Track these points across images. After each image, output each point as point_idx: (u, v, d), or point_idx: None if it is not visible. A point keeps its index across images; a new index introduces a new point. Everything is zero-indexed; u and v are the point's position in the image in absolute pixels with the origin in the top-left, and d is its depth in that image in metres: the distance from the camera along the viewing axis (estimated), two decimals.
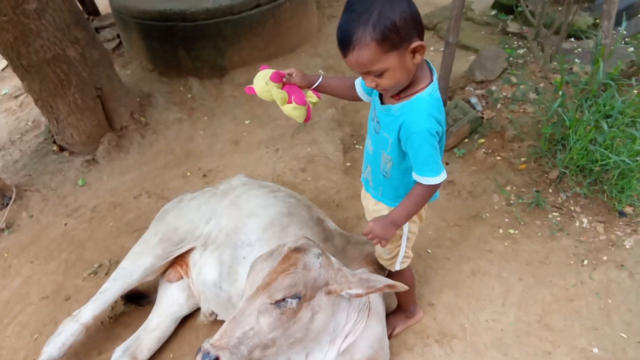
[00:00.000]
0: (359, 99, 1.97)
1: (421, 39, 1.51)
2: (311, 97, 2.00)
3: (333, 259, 1.80)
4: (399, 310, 2.50)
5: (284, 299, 1.60)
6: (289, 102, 1.89)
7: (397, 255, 2.10)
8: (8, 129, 4.49)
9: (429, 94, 1.61)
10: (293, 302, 1.61)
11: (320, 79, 1.94)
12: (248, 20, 4.58)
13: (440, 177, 1.66)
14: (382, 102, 1.75)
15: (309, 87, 1.96)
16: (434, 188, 1.71)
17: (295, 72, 1.91)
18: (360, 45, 1.45)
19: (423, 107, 1.60)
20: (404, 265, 2.16)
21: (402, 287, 1.74)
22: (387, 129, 1.71)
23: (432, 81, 1.63)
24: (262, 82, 1.91)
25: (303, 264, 1.65)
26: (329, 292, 1.71)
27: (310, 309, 1.66)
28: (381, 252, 2.12)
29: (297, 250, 1.70)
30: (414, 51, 1.50)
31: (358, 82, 1.93)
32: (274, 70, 1.89)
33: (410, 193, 1.74)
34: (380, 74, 1.53)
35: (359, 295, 1.74)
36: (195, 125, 4.27)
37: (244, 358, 1.56)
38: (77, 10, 3.63)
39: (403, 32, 1.45)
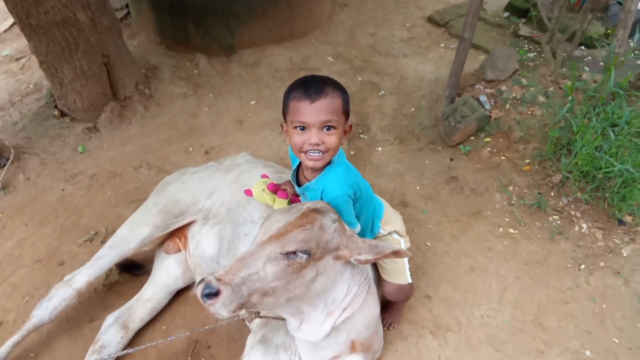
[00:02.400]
0: None
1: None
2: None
3: (347, 227, 1.81)
4: (394, 308, 2.49)
5: (294, 252, 1.61)
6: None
7: (404, 268, 2.26)
8: (8, 90, 4.42)
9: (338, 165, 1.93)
10: (302, 257, 1.62)
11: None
12: (261, 0, 4.54)
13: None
14: (299, 185, 2.05)
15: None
16: None
17: (289, 187, 2.21)
18: (332, 94, 1.76)
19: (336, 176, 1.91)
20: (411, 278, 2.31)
21: (406, 253, 1.77)
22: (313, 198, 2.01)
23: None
24: (259, 188, 2.24)
25: (320, 224, 1.67)
26: (337, 257, 1.74)
27: (316, 269, 1.68)
28: (392, 271, 2.26)
29: (316, 210, 1.72)
30: (345, 131, 1.87)
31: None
32: (271, 182, 2.25)
33: None
34: (331, 129, 1.79)
35: (367, 261, 1.76)
36: (200, 102, 4.23)
37: (242, 299, 1.57)
38: None
39: (348, 109, 1.84)
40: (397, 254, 1.76)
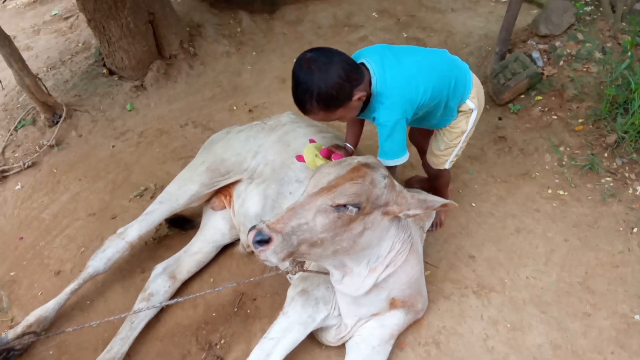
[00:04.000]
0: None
1: (359, 87, 1.84)
2: None
3: (396, 183, 1.81)
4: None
5: (345, 205, 1.63)
6: None
7: (450, 154, 2.37)
8: (59, 49, 4.53)
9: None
10: (353, 210, 1.64)
11: (352, 146, 2.24)
12: None
13: (395, 161, 2.05)
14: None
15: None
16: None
17: (342, 153, 2.17)
18: (311, 112, 1.84)
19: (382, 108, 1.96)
20: (451, 165, 2.43)
21: (454, 204, 1.78)
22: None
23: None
24: (312, 155, 2.16)
25: (371, 179, 1.68)
26: (386, 213, 1.75)
27: (364, 223, 1.69)
28: (434, 148, 2.40)
29: (367, 165, 1.72)
30: (360, 98, 1.86)
31: None
32: (325, 147, 2.17)
33: None
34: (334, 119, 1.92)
35: (416, 215, 1.78)
36: (244, 60, 4.22)
37: (292, 247, 1.61)
38: None
39: (342, 96, 1.81)
40: (445, 206, 1.77)
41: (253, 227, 1.60)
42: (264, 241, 1.57)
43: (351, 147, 2.29)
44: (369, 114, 2.00)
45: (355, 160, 1.75)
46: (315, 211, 1.63)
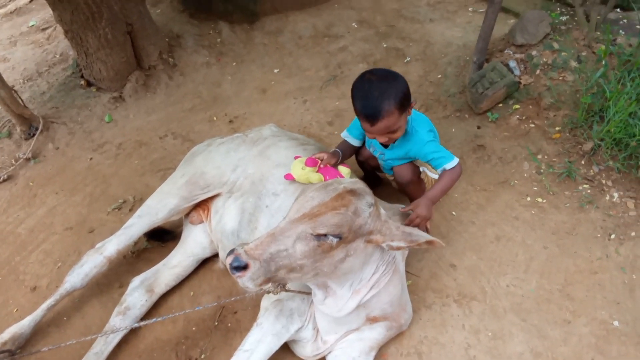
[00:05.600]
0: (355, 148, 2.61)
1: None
2: (343, 170, 2.38)
3: (382, 211, 1.79)
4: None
5: (325, 235, 1.60)
6: (325, 180, 2.21)
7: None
8: (35, 61, 4.47)
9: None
10: (334, 240, 1.61)
11: (340, 154, 2.45)
12: None
13: (456, 160, 2.27)
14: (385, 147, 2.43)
15: (337, 163, 2.41)
16: (458, 169, 2.27)
17: (324, 155, 2.33)
18: (388, 114, 2.05)
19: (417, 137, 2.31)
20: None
21: (440, 244, 1.75)
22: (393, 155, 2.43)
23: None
24: (299, 168, 2.25)
25: (354, 209, 1.65)
26: (369, 241, 1.72)
27: (346, 250, 1.67)
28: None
29: (353, 192, 1.68)
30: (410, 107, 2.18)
31: (348, 136, 2.56)
32: (308, 157, 2.27)
33: (442, 178, 2.26)
34: (394, 131, 2.15)
35: (400, 248, 1.75)
36: (224, 70, 4.21)
37: (270, 273, 1.59)
38: None
39: (408, 98, 2.12)
40: (430, 243, 1.75)
41: (232, 252, 1.58)
42: (241, 267, 1.55)
43: (339, 151, 2.41)
44: (403, 148, 2.33)
45: (341, 185, 1.71)
46: (295, 238, 1.60)
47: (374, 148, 2.53)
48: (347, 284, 1.84)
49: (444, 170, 2.26)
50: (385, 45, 4.31)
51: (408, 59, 4.11)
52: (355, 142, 2.58)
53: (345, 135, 2.57)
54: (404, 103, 2.09)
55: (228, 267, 1.58)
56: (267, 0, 4.61)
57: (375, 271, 1.87)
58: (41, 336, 2.44)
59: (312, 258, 1.62)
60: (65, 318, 2.53)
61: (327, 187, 1.71)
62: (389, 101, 2.03)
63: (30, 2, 5.73)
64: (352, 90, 2.12)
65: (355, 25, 4.60)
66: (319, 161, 2.29)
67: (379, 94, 2.03)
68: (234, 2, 4.58)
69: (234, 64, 4.28)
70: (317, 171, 2.26)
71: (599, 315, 2.36)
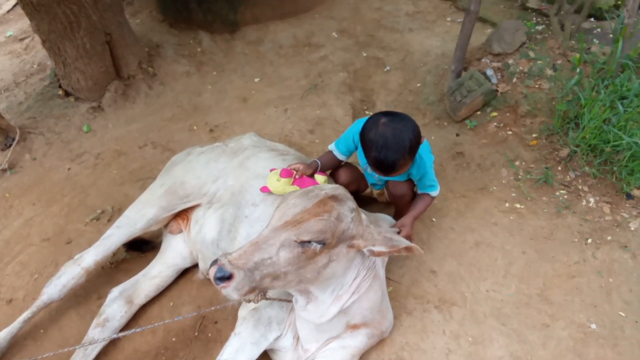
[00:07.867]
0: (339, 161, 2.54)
1: None
2: (319, 178, 2.35)
3: (363, 216, 1.80)
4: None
5: (309, 241, 1.60)
6: None
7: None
8: (13, 71, 4.41)
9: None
10: (317, 247, 1.62)
11: (319, 163, 2.41)
12: None
13: (439, 190, 2.43)
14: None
15: (313, 173, 2.37)
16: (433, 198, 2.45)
17: (299, 166, 2.29)
18: (402, 166, 2.07)
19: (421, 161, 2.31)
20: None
21: (419, 251, 1.77)
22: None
23: None
24: (274, 180, 2.22)
25: (337, 214, 1.66)
26: (351, 246, 1.73)
27: (329, 255, 1.68)
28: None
29: (334, 198, 1.69)
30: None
31: (335, 150, 2.47)
32: (283, 168, 2.24)
33: (423, 199, 2.42)
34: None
35: (381, 254, 1.76)
36: (204, 80, 4.20)
37: (254, 282, 1.58)
38: None
39: (419, 142, 2.10)
40: (409, 249, 1.77)
41: (215, 262, 1.56)
42: (225, 277, 1.54)
43: (318, 161, 2.38)
44: (406, 172, 2.30)
45: (323, 191, 1.71)
46: (279, 246, 1.60)
47: (371, 172, 2.45)
48: (329, 290, 1.84)
49: (427, 194, 2.42)
50: (365, 55, 4.35)
51: (388, 67, 4.15)
52: (342, 157, 2.50)
53: (332, 148, 2.48)
54: (416, 149, 2.09)
55: (211, 278, 1.56)
56: (247, 10, 4.63)
57: (356, 276, 1.87)
58: (17, 349, 2.39)
59: (296, 265, 1.62)
60: (42, 330, 2.48)
61: (308, 193, 1.71)
62: (403, 154, 2.02)
63: (7, 12, 5.67)
64: (366, 137, 2.07)
65: (336, 35, 4.63)
66: (294, 172, 2.27)
67: (394, 148, 2.00)
68: (214, 12, 4.59)
69: (215, 73, 4.28)
70: (293, 183, 2.25)
71: (577, 318, 2.39)
